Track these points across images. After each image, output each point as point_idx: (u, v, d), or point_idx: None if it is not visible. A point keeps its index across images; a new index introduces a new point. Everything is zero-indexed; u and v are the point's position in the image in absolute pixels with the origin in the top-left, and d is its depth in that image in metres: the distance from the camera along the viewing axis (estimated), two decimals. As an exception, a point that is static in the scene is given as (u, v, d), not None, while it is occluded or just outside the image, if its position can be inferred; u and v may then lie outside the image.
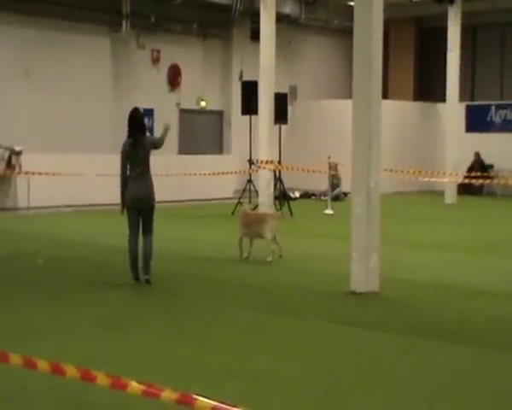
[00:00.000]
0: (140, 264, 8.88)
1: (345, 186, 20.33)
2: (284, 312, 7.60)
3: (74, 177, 16.44)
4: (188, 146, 23.39)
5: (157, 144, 8.90)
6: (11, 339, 6.32)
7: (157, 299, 8.19)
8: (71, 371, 3.58)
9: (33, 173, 15.92)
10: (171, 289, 8.72)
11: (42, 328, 6.81)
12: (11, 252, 11.30)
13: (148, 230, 8.92)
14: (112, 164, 18.89)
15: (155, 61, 22.88)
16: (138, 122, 8.82)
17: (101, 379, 3.43)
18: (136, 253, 8.93)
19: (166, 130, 8.98)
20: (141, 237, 8.92)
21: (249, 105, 17.35)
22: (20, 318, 7.16)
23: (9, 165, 17.20)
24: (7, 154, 17.32)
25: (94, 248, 11.75)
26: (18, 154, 17.41)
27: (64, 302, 7.92)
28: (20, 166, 17.25)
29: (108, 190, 17.40)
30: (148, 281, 8.85)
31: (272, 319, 7.33)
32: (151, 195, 8.84)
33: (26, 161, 17.20)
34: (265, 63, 17.17)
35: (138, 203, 8.77)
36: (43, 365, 3.68)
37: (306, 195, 22.06)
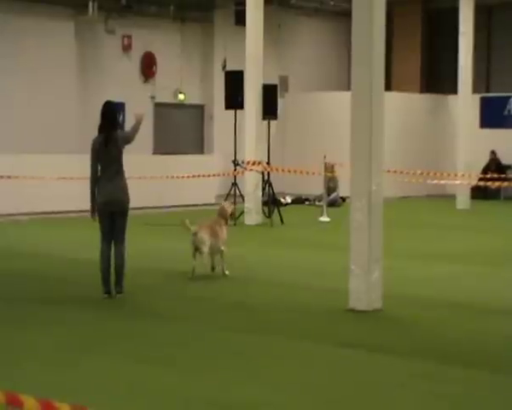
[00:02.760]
0: (112, 277, 8.93)
1: (342, 190, 20.39)
2: (274, 333, 7.61)
3: (32, 180, 16.39)
4: (164, 145, 23.39)
5: (129, 138, 8.96)
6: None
7: (130, 318, 8.17)
8: (29, 402, 3.56)
9: (1, 177, 15.86)
10: (146, 308, 8.71)
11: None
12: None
13: (119, 237, 8.98)
14: (76, 166, 18.91)
15: (126, 48, 22.89)
16: (110, 117, 8.89)
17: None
18: (108, 262, 9.01)
19: (139, 121, 9.02)
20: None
21: (234, 98, 17.40)
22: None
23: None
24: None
25: (56, 262, 11.71)
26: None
27: (21, 324, 7.88)
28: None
29: (72, 196, 17.41)
30: (119, 293, 8.95)
31: (260, 341, 7.34)
32: (124, 197, 8.92)
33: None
34: (252, 50, 17.22)
35: (110, 206, 8.85)
36: (-3, 395, 3.67)
37: (299, 200, 22.10)
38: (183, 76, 23.89)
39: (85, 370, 6.30)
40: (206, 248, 10.14)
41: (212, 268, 10.50)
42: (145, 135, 23.02)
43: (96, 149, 8.87)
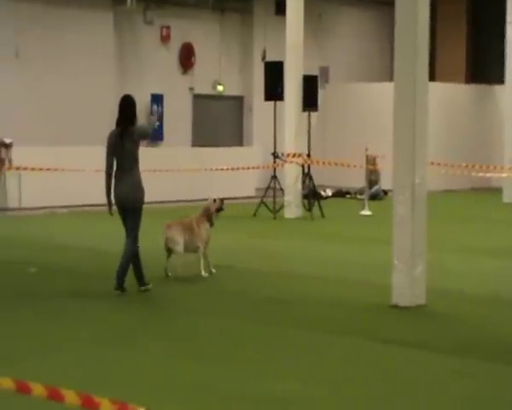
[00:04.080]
0: (118, 270, 8.92)
1: (385, 183, 20.27)
2: (313, 328, 7.61)
3: (71, 173, 16.56)
4: (203, 137, 23.45)
5: (145, 132, 9.09)
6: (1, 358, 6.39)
7: (165, 313, 8.23)
8: (70, 396, 3.61)
9: (25, 169, 16.04)
10: (181, 303, 8.77)
11: (33, 347, 6.87)
12: (-1, 260, 11.41)
13: (129, 234, 8.96)
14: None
15: (165, 39, 22.99)
16: (128, 111, 8.93)
17: (105, 407, 3.45)
18: (137, 257, 9.02)
19: (153, 123, 9.15)
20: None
21: (273, 89, 17.36)
22: (9, 336, 7.23)
23: (-2, 159, 17.40)
24: (-5, 146, 17.52)
25: (93, 256, 11.83)
26: (8, 146, 17.57)
27: (57, 318, 7.98)
28: (10, 161, 17.41)
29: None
30: (116, 289, 8.85)
31: (299, 335, 7.34)
32: (136, 193, 8.92)
33: (17, 155, 17.35)
34: (292, 41, 17.17)
35: (123, 202, 8.90)
36: (38, 389, 3.72)
37: (340, 193, 22.02)
38: (222, 67, 23.94)
39: (121, 364, 6.36)
40: (179, 248, 9.77)
41: (210, 271, 10.10)
42: (183, 127, 23.15)
43: (111, 142, 8.92)
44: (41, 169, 15.84)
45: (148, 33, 22.57)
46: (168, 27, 23.00)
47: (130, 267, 9.01)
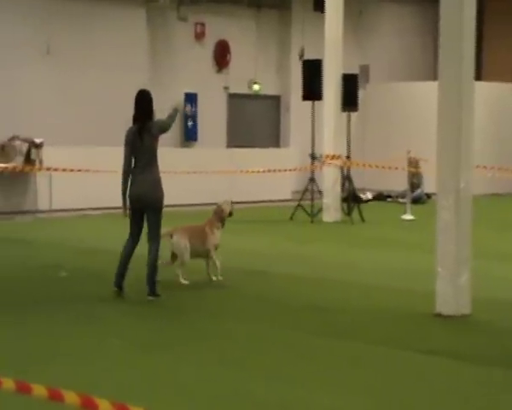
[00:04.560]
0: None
1: (427, 186, 20.14)
2: (352, 337, 7.59)
3: (103, 174, 16.66)
4: (238, 138, 23.50)
5: (165, 126, 9.03)
6: (31, 367, 6.45)
7: (197, 320, 8.25)
8: (104, 405, 3.64)
9: (56, 170, 16.17)
10: (214, 309, 8.78)
11: (65, 353, 6.93)
12: (29, 263, 11.51)
13: (151, 235, 8.96)
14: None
15: (199, 36, 23.07)
16: (145, 106, 8.95)
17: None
18: (127, 257, 9.06)
19: (175, 110, 9.17)
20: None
21: (312, 89, 17.35)
22: (40, 341, 7.31)
23: (28, 160, 17.56)
24: (25, 147, 17.69)
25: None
26: (38, 147, 17.76)
27: (90, 323, 8.04)
28: (41, 162, 17.59)
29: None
30: (149, 295, 8.87)
31: (338, 345, 7.32)
32: (155, 192, 8.89)
33: (48, 156, 17.52)
34: (331, 38, 17.14)
35: (141, 202, 8.87)
36: (70, 397, 3.76)
37: (380, 196, 21.93)
38: (259, 65, 23.96)
39: (154, 372, 6.39)
40: (186, 254, 9.67)
41: (219, 276, 10.01)
42: (218, 127, 23.21)
43: (129, 139, 8.93)
44: (72, 170, 15.95)
45: (181, 30, 22.67)
46: (203, 24, 23.07)
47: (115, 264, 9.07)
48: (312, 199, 17.12)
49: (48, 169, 16.46)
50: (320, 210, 16.94)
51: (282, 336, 7.58)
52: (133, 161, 8.94)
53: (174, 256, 9.75)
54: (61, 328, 7.80)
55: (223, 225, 10.07)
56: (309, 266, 11.44)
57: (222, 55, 23.47)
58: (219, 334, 7.70)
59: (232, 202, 10.11)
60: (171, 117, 9.10)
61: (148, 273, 8.95)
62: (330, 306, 8.96)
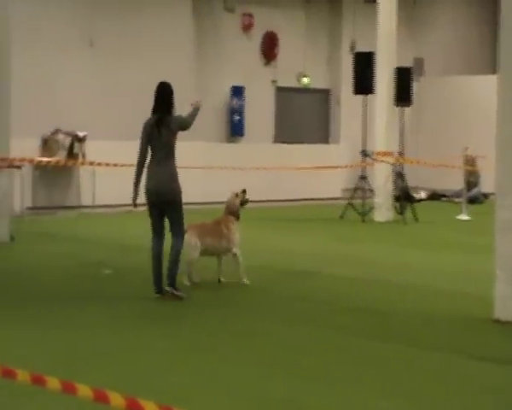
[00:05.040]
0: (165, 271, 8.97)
1: (485, 185, 19.91)
2: (407, 342, 7.52)
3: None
4: (286, 133, 23.47)
5: (184, 123, 9.05)
6: (75, 367, 6.51)
7: (241, 320, 8.25)
8: (149, 408, 3.65)
9: (99, 164, 16.23)
10: (260, 310, 8.77)
11: (109, 354, 6.97)
12: (72, 260, 11.63)
13: (173, 231, 8.98)
14: (196, 153, 19.27)
15: (247, 27, 23.09)
16: (165, 98, 9.01)
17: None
18: (159, 259, 9.04)
19: (196, 107, 9.17)
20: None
21: (363, 82, 17.30)
22: (83, 341, 7.37)
23: (71, 154, 17.75)
24: (68, 140, 17.88)
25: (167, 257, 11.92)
26: (81, 140, 17.94)
27: (134, 323, 8.09)
28: (84, 156, 17.76)
29: (189, 187, 17.71)
30: (168, 286, 8.89)
31: (391, 349, 7.26)
32: (173, 185, 8.92)
33: (91, 149, 17.69)
34: (384, 30, 17.05)
35: (158, 196, 8.89)
36: (115, 399, 3.78)
37: (435, 196, 21.76)
38: (308, 58, 23.90)
39: (202, 375, 6.40)
40: (194, 254, 9.50)
41: (219, 279, 9.83)
42: (265, 122, 23.21)
43: (146, 131, 8.97)
44: (116, 164, 16.01)
45: (228, 21, 22.70)
46: (250, 15, 23.08)
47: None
48: (363, 197, 17.05)
49: (91, 164, 16.56)
50: (371, 209, 16.86)
51: (331, 339, 7.54)
52: (149, 154, 8.99)
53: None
54: (104, 328, 7.86)
55: (237, 218, 9.88)
56: (360, 267, 11.39)
57: (270, 47, 23.45)
58: (264, 335, 7.69)
59: (243, 191, 9.87)
60: (192, 115, 9.16)
61: (168, 268, 8.95)
62: (382, 308, 8.90)
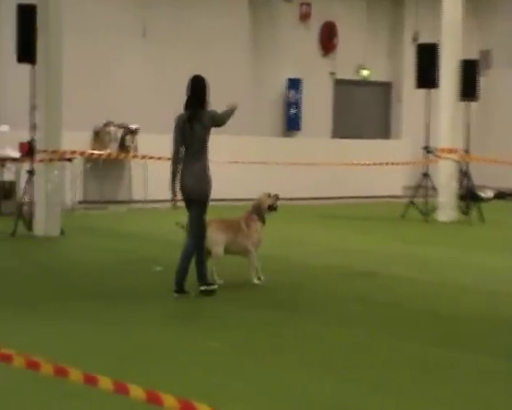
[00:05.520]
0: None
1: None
2: (478, 349, 7.35)
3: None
4: (345, 128, 23.36)
5: (218, 120, 9.03)
6: (127, 366, 6.51)
7: (297, 322, 8.18)
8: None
9: (152, 158, 16.27)
10: (316, 311, 8.70)
11: (163, 355, 6.97)
12: (122, 256, 11.70)
13: (190, 230, 9.02)
14: (250, 148, 19.26)
15: (304, 17, 23.01)
16: (198, 92, 9.04)
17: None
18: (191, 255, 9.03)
19: (233, 108, 9.14)
20: None
21: (426, 75, 17.12)
22: (135, 339, 7.38)
23: (123, 147, 17.85)
24: (120, 133, 17.99)
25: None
26: (133, 133, 18.04)
27: (187, 322, 8.08)
28: (136, 149, 17.85)
29: (242, 182, 17.74)
30: (176, 292, 8.88)
31: (461, 358, 7.11)
32: (199, 184, 8.94)
33: (143, 142, 17.77)
34: (449, 20, 16.86)
35: (187, 194, 8.96)
36: (169, 400, 3.76)
37: (503, 195, 21.45)
38: (368, 49, 23.75)
39: (260, 380, 6.35)
40: (218, 249, 9.44)
41: (259, 278, 9.72)
42: (323, 116, 23.12)
43: (179, 126, 9.01)
44: (169, 159, 16.06)
45: (285, 11, 22.66)
46: (308, 4, 23.01)
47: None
48: (426, 196, 16.88)
49: (143, 157, 16.62)
50: (434, 208, 16.68)
51: (395, 345, 7.42)
52: (183, 150, 9.03)
53: (209, 251, 9.49)
54: (156, 327, 7.86)
55: (263, 220, 9.74)
56: (421, 269, 11.25)
57: (328, 38, 23.35)
58: (316, 337, 7.61)
59: (276, 195, 9.77)
60: (228, 114, 9.13)
61: (179, 267, 8.95)
62: (449, 312, 8.75)
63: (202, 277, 9.05)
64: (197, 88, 9.11)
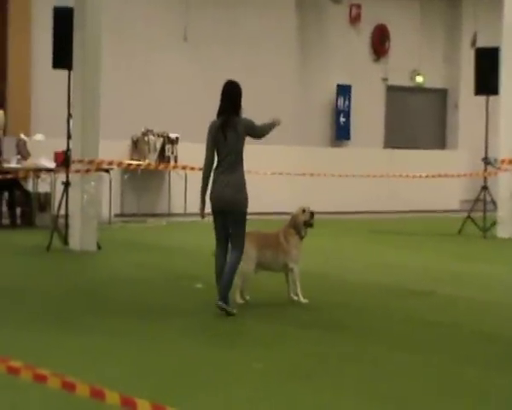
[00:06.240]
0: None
1: None
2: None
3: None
4: (397, 137, 23.28)
5: (256, 131, 9.08)
6: (165, 389, 6.52)
7: (345, 343, 8.13)
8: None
9: (193, 169, 16.30)
10: (364, 333, 8.64)
11: (201, 377, 6.96)
12: (161, 272, 11.75)
13: (232, 243, 9.00)
14: (297, 158, 19.23)
15: (355, 19, 23.00)
16: (233, 98, 9.04)
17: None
18: (220, 268, 9.04)
19: (275, 123, 9.21)
20: None
21: (486, 81, 17.00)
22: (173, 361, 7.39)
23: (162, 156, 17.95)
24: (159, 142, 18.09)
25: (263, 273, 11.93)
26: (173, 142, 18.14)
27: (230, 342, 8.08)
28: (176, 159, 17.93)
29: (288, 194, 17.71)
30: (221, 308, 8.86)
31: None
32: (237, 194, 8.91)
33: (184, 152, 17.84)
34: (510, 22, 16.71)
35: (222, 205, 8.92)
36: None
37: None
38: (423, 54, 23.66)
39: (298, 401, 6.33)
40: (249, 265, 9.34)
41: (295, 296, 9.58)
42: (374, 125, 23.06)
43: (212, 133, 8.97)
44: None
45: (334, 13, 22.68)
46: (359, 6, 23.00)
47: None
48: (485, 211, 16.74)
49: (184, 168, 16.67)
50: (494, 224, 16.52)
51: (448, 370, 7.33)
52: (216, 159, 9.02)
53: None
54: (196, 348, 7.86)
55: (300, 235, 9.65)
56: (480, 288, 11.15)
57: (380, 42, 23.32)
58: (366, 360, 7.53)
59: (312, 211, 9.61)
60: (269, 126, 9.20)
61: (222, 282, 8.94)
62: (508, 334, 8.64)
63: (226, 293, 8.98)
64: (232, 94, 9.13)
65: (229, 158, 8.96)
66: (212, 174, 9.05)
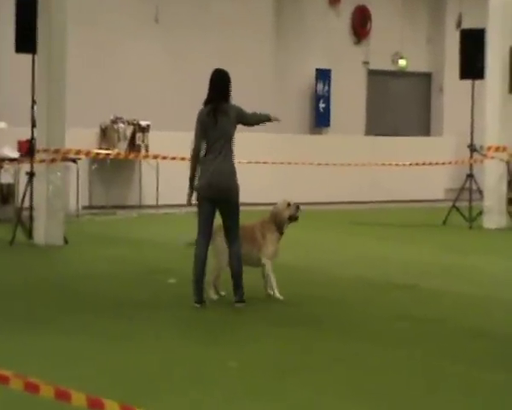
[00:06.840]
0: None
1: None
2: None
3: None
4: (379, 124, 23.34)
5: (247, 119, 9.23)
6: (139, 391, 6.51)
7: (328, 340, 8.16)
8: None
9: (164, 158, 16.31)
10: (349, 329, 8.67)
11: (177, 376, 6.96)
12: (132, 266, 11.74)
13: (232, 234, 9.10)
14: (274, 146, 19.23)
15: (334, 0, 22.98)
16: (221, 86, 9.14)
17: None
18: (202, 263, 9.09)
19: (268, 119, 9.43)
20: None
21: (472, 65, 17.04)
22: (147, 360, 7.38)
23: (133, 145, 17.91)
24: (130, 130, 18.04)
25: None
26: (144, 130, 18.08)
27: (203, 340, 8.08)
28: (147, 148, 17.89)
29: (263, 185, 17.73)
30: (238, 302, 9.05)
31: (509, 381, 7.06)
32: (230, 182, 9.04)
33: (155, 141, 17.80)
34: (497, 2, 16.77)
35: (214, 193, 8.99)
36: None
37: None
38: (405, 36, 23.71)
39: (280, 399, 6.33)
40: (221, 260, 9.31)
41: (270, 290, 9.60)
42: (355, 111, 23.09)
43: (202, 120, 9.07)
44: (183, 159, 16.04)
45: (313, -6, 22.66)
46: (340, -14, 22.99)
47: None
48: (471, 200, 16.81)
49: (155, 157, 16.65)
50: (480, 214, 16.60)
51: (432, 364, 7.36)
52: (205, 146, 9.08)
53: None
54: (170, 346, 7.85)
55: (281, 232, 9.53)
56: (467, 281, 11.21)
57: (361, 24, 23.36)
58: (351, 357, 7.57)
59: (297, 204, 9.57)
60: (261, 118, 9.39)
61: (234, 279, 9.09)
62: (501, 332, 8.68)
63: (242, 293, 9.16)
64: (221, 83, 9.21)
65: (219, 143, 9.03)
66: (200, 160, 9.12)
